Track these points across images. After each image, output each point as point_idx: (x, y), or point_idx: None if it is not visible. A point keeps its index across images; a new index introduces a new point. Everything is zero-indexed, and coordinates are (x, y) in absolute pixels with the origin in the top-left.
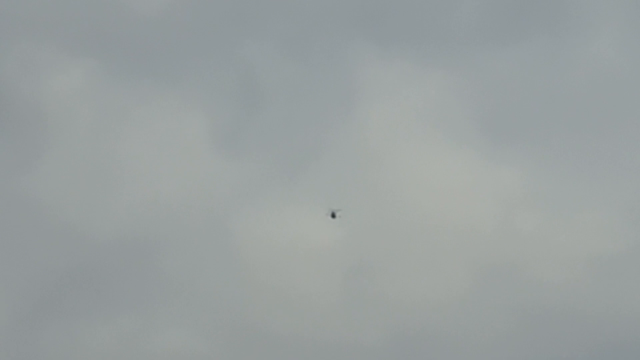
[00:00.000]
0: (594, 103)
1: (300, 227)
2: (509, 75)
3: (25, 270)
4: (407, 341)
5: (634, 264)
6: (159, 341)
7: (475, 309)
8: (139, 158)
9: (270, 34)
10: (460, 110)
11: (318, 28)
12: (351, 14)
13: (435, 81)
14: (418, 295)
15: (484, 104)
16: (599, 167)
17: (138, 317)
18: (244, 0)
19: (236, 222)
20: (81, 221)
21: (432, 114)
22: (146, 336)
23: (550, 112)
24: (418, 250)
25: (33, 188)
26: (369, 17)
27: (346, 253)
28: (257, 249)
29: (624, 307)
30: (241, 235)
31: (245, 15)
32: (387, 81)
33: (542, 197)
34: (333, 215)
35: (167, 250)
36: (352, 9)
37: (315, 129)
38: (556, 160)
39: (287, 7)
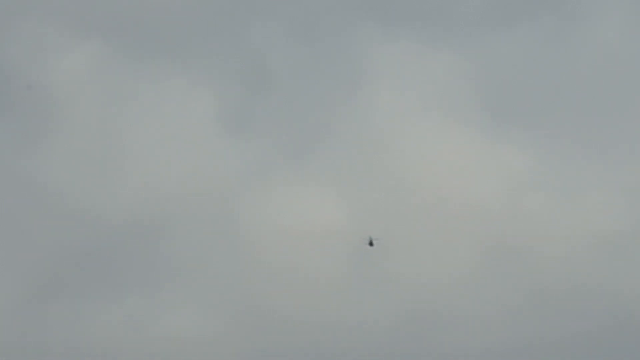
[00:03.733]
0: (599, 84)
1: (307, 208)
2: (514, 56)
3: (32, 253)
4: (414, 320)
5: (638, 242)
6: (165, 322)
7: (482, 288)
8: (146, 140)
9: (277, 16)
10: (466, 91)
11: (325, 10)
12: None
13: (441, 62)
14: (425, 275)
15: (490, 85)
16: (604, 147)
17: (145, 298)
18: None
19: (243, 204)
20: (88, 203)
21: (438, 95)
22: (153, 318)
23: (556, 93)
24: (425, 230)
25: (40, 170)
26: None
27: (353, 233)
28: (264, 230)
29: (628, 284)
30: (248, 216)
31: None
32: (393, 63)
33: (548, 177)
34: (371, 244)
35: (174, 232)
36: None
37: (322, 111)
38: (561, 140)
39: None
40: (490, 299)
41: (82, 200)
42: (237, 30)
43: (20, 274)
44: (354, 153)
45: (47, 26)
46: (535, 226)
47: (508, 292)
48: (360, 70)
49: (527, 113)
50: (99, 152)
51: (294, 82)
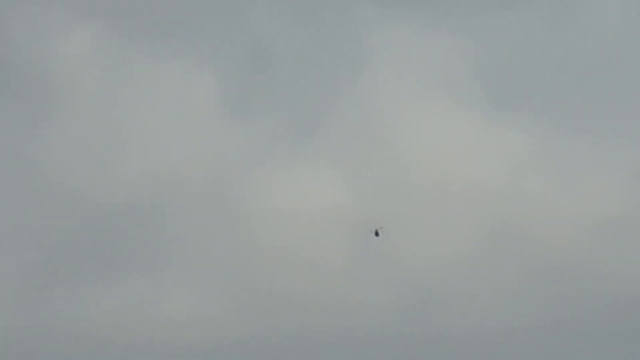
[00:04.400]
0: (599, 66)
1: (309, 190)
2: (515, 38)
3: (32, 234)
4: (415, 301)
5: (639, 224)
6: (165, 305)
7: (483, 268)
8: (147, 121)
9: None
10: (467, 72)
11: None
12: None
13: (442, 44)
14: (426, 256)
15: (490, 67)
16: (604, 129)
17: (145, 280)
18: None
19: (244, 186)
20: (89, 185)
21: (439, 76)
22: (153, 300)
23: (556, 75)
24: (425, 210)
25: (40, 152)
26: None
27: (354, 214)
28: (264, 212)
29: (628, 266)
30: (249, 198)
31: None
32: (394, 45)
33: (548, 158)
34: (376, 234)
35: (174, 214)
36: None
37: (323, 93)
38: (561, 122)
39: None
40: (491, 280)
41: (82, 183)
42: (239, 12)
43: (20, 257)
44: (355, 135)
45: (48, 8)
46: (536, 207)
47: (508, 273)
48: (361, 53)
49: (527, 95)
50: (100, 134)
51: (295, 64)
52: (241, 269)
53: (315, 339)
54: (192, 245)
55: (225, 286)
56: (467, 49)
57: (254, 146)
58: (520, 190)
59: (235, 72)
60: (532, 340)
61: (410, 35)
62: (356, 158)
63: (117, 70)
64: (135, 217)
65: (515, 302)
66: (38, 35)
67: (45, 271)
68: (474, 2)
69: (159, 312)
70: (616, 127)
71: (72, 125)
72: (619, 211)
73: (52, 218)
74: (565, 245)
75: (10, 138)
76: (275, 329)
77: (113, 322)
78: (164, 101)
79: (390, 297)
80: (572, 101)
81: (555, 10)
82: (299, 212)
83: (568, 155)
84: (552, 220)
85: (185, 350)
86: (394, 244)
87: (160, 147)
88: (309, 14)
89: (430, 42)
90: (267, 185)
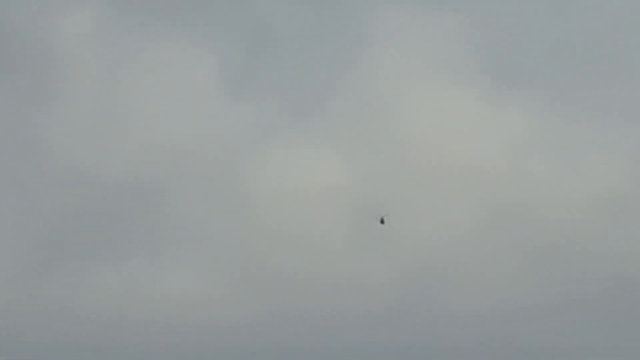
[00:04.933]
0: (600, 46)
1: (310, 169)
2: (517, 19)
3: (33, 213)
4: (416, 281)
5: (639, 203)
6: (167, 284)
7: (483, 249)
8: (149, 101)
9: None
10: (469, 53)
11: None
12: None
13: (444, 25)
14: (427, 236)
15: (492, 48)
16: (605, 109)
17: (147, 259)
18: None
19: (245, 165)
20: (91, 164)
21: (441, 57)
22: (155, 279)
23: (557, 56)
24: (427, 191)
25: (43, 131)
26: None
27: (355, 194)
28: (266, 191)
29: (630, 245)
30: (251, 177)
31: None
32: (396, 25)
33: (549, 138)
34: (382, 221)
35: (176, 193)
36: None
37: (325, 72)
38: (563, 102)
39: None
40: (492, 260)
41: (84, 162)
42: None
43: (22, 236)
44: (357, 115)
45: None
46: (537, 187)
47: (509, 253)
48: (363, 32)
49: (529, 75)
50: (102, 113)
51: (297, 43)
52: (242, 248)
53: (316, 318)
54: (194, 225)
55: (227, 265)
56: (468, 29)
57: (255, 126)
58: (521, 170)
59: (237, 52)
60: (535, 320)
61: (411, 15)
62: (357, 138)
63: (120, 50)
64: (137, 197)
65: (516, 281)
66: (40, 14)
67: (48, 250)
68: None
69: (161, 291)
70: (617, 106)
71: (75, 104)
72: (620, 190)
73: (55, 197)
74: (566, 225)
75: (13, 117)
76: (276, 309)
77: (115, 301)
78: (166, 80)
79: (391, 277)
80: (574, 81)
81: None
82: (300, 191)
83: (569, 136)
84: (553, 200)
85: (186, 329)
86: (394, 224)
87: (162, 126)
88: None
89: (431, 22)
90: (269, 164)
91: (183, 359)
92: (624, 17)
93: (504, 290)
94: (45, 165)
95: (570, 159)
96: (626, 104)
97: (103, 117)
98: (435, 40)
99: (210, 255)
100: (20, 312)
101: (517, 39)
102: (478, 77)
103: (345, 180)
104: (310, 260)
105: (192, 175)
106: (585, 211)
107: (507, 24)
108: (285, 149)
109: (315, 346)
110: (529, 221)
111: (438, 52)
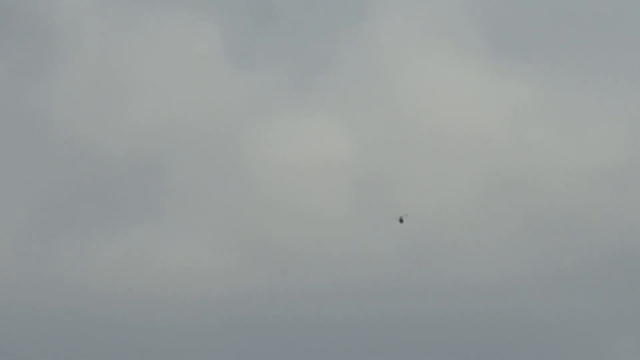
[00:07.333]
0: (601, 18)
1: (311, 140)
2: None
3: (37, 183)
4: (417, 252)
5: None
6: (169, 255)
7: (484, 219)
8: (151, 72)
9: None
10: (470, 24)
11: None
12: None
13: None
14: (428, 207)
15: (493, 18)
16: (606, 80)
17: (149, 230)
18: None
19: (247, 136)
20: (93, 135)
21: (442, 27)
22: (157, 250)
23: (559, 27)
24: (428, 161)
25: (44, 102)
26: None
27: (357, 165)
28: (267, 163)
29: (629, 215)
30: (252, 148)
31: None
32: None
33: (550, 109)
34: (401, 220)
35: (178, 164)
36: None
37: (326, 43)
38: (564, 73)
39: None
40: (493, 231)
41: (87, 133)
42: None
43: (22, 207)
44: (358, 85)
45: None
46: (538, 158)
47: (510, 224)
48: (364, 3)
49: (530, 46)
50: (104, 84)
51: (299, 14)
52: (244, 219)
53: (316, 289)
54: (195, 196)
55: (228, 237)
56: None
57: (257, 97)
58: (522, 140)
59: (239, 23)
60: (535, 289)
61: None
62: (359, 109)
63: (121, 21)
64: (140, 168)
65: (517, 252)
66: None
67: (48, 221)
68: None
69: (163, 262)
70: (619, 77)
71: (76, 75)
72: (621, 160)
73: (55, 168)
74: (567, 195)
75: (13, 88)
76: (276, 280)
77: (115, 272)
78: (167, 52)
79: (392, 247)
80: (575, 53)
81: None
82: (301, 162)
83: (570, 107)
84: (553, 170)
85: (186, 300)
86: (396, 195)
87: (163, 97)
88: None
89: None
90: (270, 136)
91: (184, 328)
92: None
93: (504, 260)
94: (45, 135)
95: (572, 129)
96: (628, 75)
97: (105, 89)
98: (437, 10)
99: (213, 226)
100: (21, 282)
101: (518, 10)
102: (480, 48)
103: (347, 151)
104: (312, 231)
105: (193, 146)
106: (587, 181)
107: None
108: (287, 120)
109: (318, 316)
110: (529, 192)
111: (440, 22)
